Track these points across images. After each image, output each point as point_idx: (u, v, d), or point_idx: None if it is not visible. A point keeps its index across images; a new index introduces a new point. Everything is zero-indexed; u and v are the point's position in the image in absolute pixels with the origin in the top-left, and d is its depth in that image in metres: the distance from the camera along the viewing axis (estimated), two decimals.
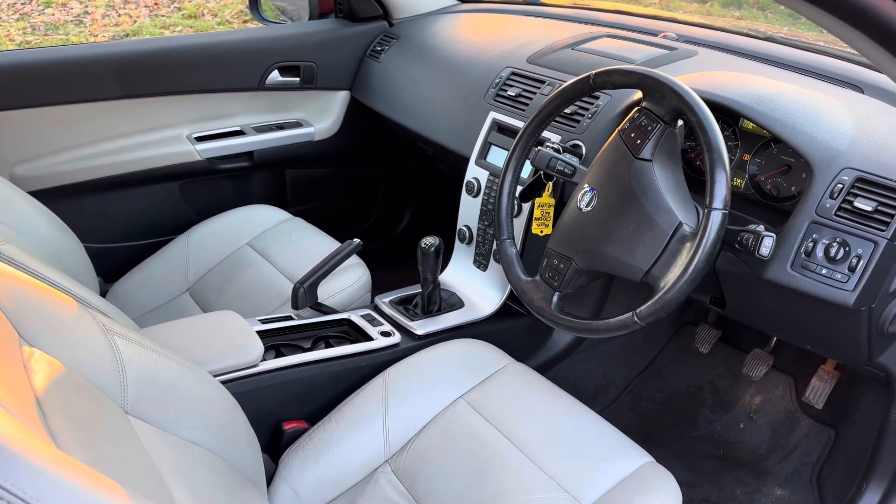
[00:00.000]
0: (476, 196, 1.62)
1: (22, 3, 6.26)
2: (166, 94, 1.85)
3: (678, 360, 1.87)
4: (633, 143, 1.12)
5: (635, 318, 1.06)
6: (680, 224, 1.06)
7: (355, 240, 1.52)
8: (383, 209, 2.38)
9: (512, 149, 1.31)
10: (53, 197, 1.68)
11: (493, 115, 1.60)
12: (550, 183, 1.40)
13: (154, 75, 1.81)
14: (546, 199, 1.42)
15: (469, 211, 1.64)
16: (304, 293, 1.43)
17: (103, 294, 1.77)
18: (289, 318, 1.46)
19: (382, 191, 2.36)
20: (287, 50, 1.96)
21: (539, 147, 1.32)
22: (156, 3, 6.39)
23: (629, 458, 1.17)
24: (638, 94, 1.23)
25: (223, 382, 1.17)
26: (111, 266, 1.83)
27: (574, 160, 1.34)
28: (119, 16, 6.14)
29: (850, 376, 1.61)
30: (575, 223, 1.18)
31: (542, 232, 1.44)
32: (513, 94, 1.59)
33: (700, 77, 1.34)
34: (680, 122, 1.13)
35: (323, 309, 1.49)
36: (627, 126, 1.14)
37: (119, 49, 1.77)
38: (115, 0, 6.39)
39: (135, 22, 5.99)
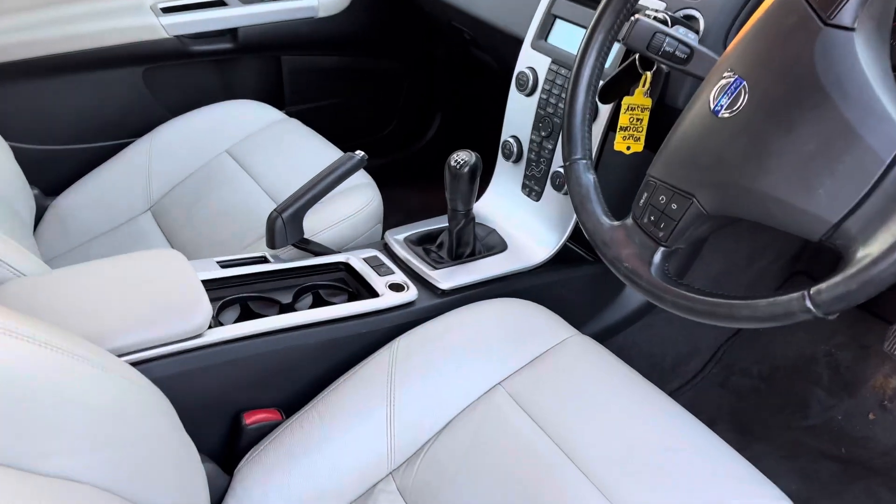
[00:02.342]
0: (531, 94, 1.15)
1: None
2: None
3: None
4: None
5: (808, 304, 0.62)
6: None
7: (359, 152, 1.08)
8: (405, 113, 1.91)
9: (595, 19, 0.84)
10: None
11: None
12: (648, 73, 0.93)
13: None
14: (640, 98, 0.95)
15: (519, 115, 1.18)
16: (284, 226, 1.01)
17: (41, 210, 1.37)
18: (263, 259, 1.04)
19: (405, 89, 1.88)
20: None
21: (636, 16, 0.84)
22: None
23: (755, 499, 0.76)
24: None
25: (144, 362, 0.78)
26: (53, 175, 1.43)
27: (691, 36, 0.86)
28: None
29: None
30: (702, 137, 0.72)
31: (628, 149, 0.98)
32: None
33: None
34: None
35: (311, 248, 1.07)
36: None
37: None
38: None
39: None
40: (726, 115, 0.69)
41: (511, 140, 1.20)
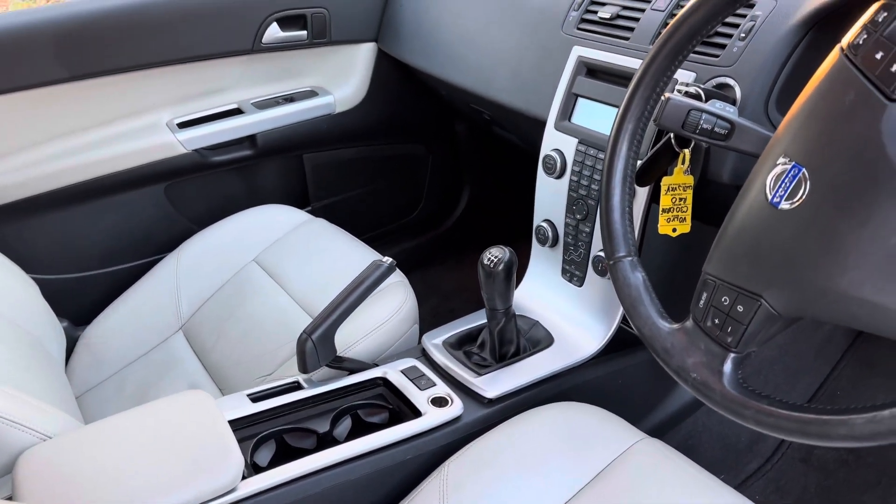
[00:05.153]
0: (560, 177, 1.09)
1: None
2: (132, 68, 1.38)
3: (861, 380, 1.31)
4: (883, 70, 0.57)
5: None
6: None
7: (386, 259, 1.03)
8: (432, 193, 1.87)
9: (626, 100, 0.78)
10: None
11: (578, 51, 1.07)
12: (687, 151, 0.86)
13: (112, 45, 1.34)
14: (680, 177, 0.88)
15: (550, 199, 1.12)
16: (315, 348, 0.95)
17: (72, 342, 1.34)
18: (296, 385, 0.98)
19: (429, 169, 1.84)
20: None
21: (666, 95, 0.78)
22: None
23: None
24: None
25: None
26: (81, 303, 1.41)
27: (729, 109, 0.80)
28: None
29: None
30: (763, 231, 0.64)
31: (674, 231, 0.90)
32: (607, 15, 1.05)
33: None
34: None
35: (345, 366, 1.01)
36: (862, 41, 0.59)
37: (59, 14, 1.31)
38: None
39: None
40: (787, 207, 0.62)
41: (545, 225, 1.14)
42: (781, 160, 0.63)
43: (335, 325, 0.96)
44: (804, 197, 0.60)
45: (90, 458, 0.78)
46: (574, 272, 1.11)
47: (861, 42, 0.58)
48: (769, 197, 0.63)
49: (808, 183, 0.60)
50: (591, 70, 1.05)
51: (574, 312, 1.10)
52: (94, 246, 1.45)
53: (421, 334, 1.13)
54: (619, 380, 1.08)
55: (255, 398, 0.94)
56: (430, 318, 1.76)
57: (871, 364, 1.29)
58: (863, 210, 0.57)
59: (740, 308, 0.66)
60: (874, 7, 0.59)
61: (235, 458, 0.77)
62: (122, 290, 1.39)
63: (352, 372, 1.01)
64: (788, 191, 0.61)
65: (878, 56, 0.57)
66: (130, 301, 1.37)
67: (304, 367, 0.96)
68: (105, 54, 1.34)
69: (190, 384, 1.21)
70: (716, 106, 0.78)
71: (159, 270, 1.39)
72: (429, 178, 1.85)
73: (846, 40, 0.60)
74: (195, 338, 1.29)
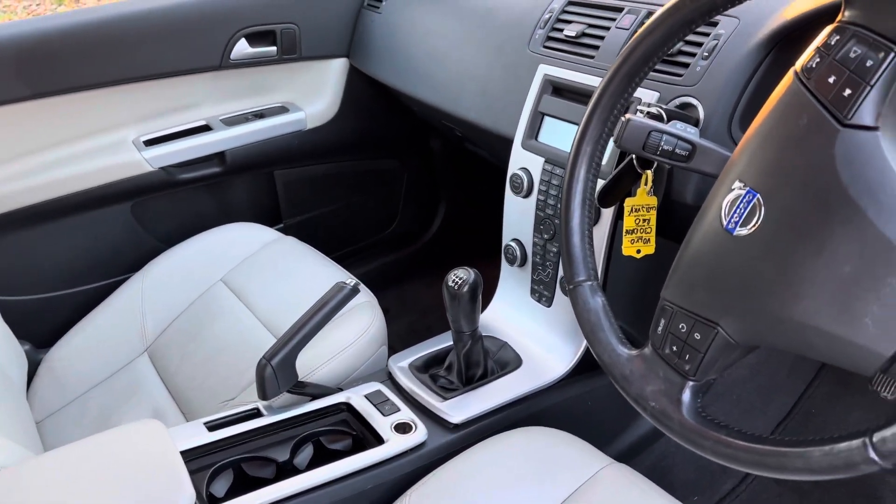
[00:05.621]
0: (527, 196, 1.08)
1: (37, 4, 5.93)
2: (97, 86, 1.36)
3: (836, 398, 1.30)
4: (835, 95, 0.56)
5: (872, 454, 0.51)
6: None
7: (350, 280, 1.01)
8: (407, 208, 1.85)
9: (584, 122, 0.77)
10: None
11: (543, 69, 1.05)
12: (649, 172, 0.85)
13: (76, 63, 1.32)
14: (643, 198, 0.87)
15: (518, 218, 1.10)
16: (274, 374, 0.93)
17: (34, 365, 1.31)
18: (256, 413, 0.96)
19: (405, 184, 1.82)
20: (256, 9, 1.44)
21: (627, 116, 0.77)
22: None
23: None
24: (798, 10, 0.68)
25: None
26: (44, 326, 1.38)
27: (690, 130, 0.78)
28: None
29: None
30: (718, 257, 0.63)
31: (638, 252, 0.89)
32: (573, 33, 1.04)
33: None
34: None
35: (308, 391, 0.99)
36: (815, 64, 0.58)
37: (22, 31, 1.28)
38: None
39: None
40: (742, 233, 0.60)
41: (513, 244, 1.12)
42: (737, 185, 0.61)
43: (296, 349, 0.94)
44: (759, 223, 0.59)
45: (36, 490, 0.75)
46: (543, 292, 1.09)
47: (814, 65, 0.57)
48: (724, 223, 0.62)
49: (763, 209, 0.59)
50: (557, 88, 1.04)
51: (543, 333, 1.08)
52: (57, 266, 1.42)
53: (396, 352, 1.11)
54: (589, 402, 1.06)
55: (213, 426, 0.91)
56: (405, 335, 1.74)
57: (846, 382, 1.29)
58: (816, 238, 0.55)
59: (697, 336, 0.64)
60: (827, 30, 0.58)
61: (186, 490, 0.74)
62: (87, 310, 1.36)
63: (314, 397, 0.99)
64: (743, 217, 0.60)
65: (831, 80, 0.56)
66: (95, 322, 1.34)
67: (263, 394, 0.93)
68: (69, 72, 1.32)
69: (153, 409, 1.18)
70: (677, 127, 0.77)
71: (125, 290, 1.36)
72: (404, 194, 1.83)
73: (800, 63, 0.59)
74: (160, 360, 1.27)
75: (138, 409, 1.18)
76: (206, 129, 1.47)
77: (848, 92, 0.55)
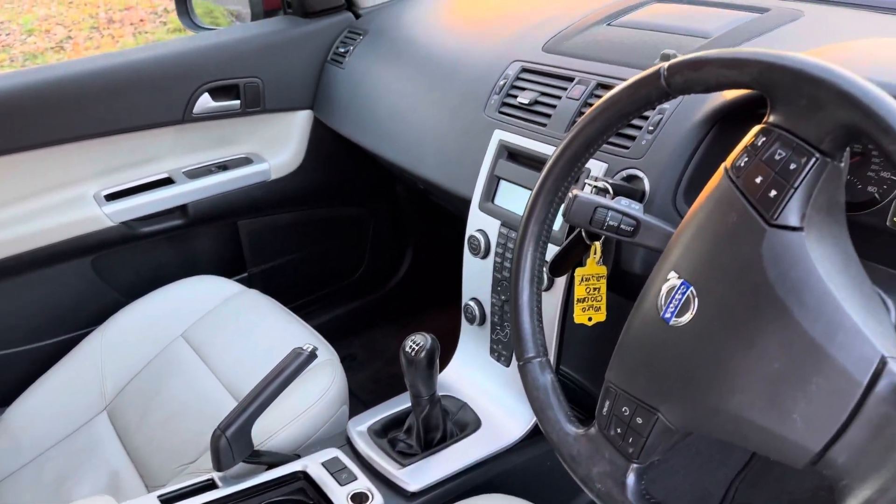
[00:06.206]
0: (485, 257, 1.09)
1: (6, 34, 5.90)
2: (57, 142, 1.35)
3: None
4: (762, 195, 0.58)
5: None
6: (884, 362, 0.52)
7: (307, 346, 1.01)
8: (374, 254, 1.86)
9: (530, 204, 0.78)
10: None
11: (499, 134, 1.07)
12: (598, 243, 0.87)
13: (36, 119, 1.31)
14: (593, 267, 0.89)
15: (477, 278, 1.12)
16: (229, 445, 0.92)
17: None
18: (210, 484, 0.95)
19: (371, 231, 1.83)
20: (219, 65, 1.45)
21: (575, 191, 0.78)
22: (141, 20, 5.98)
23: None
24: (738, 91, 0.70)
25: None
26: (1, 383, 1.35)
27: (634, 207, 0.80)
28: (102, 37, 5.75)
29: None
30: (656, 345, 0.64)
31: (590, 320, 0.90)
32: (526, 101, 1.06)
33: (844, 52, 0.79)
34: (847, 150, 0.58)
35: (263, 461, 0.98)
36: (743, 163, 0.60)
37: None
38: (100, 20, 6.00)
39: (117, 42, 5.58)
40: (678, 324, 0.62)
41: (472, 303, 1.13)
42: (672, 275, 0.63)
43: (251, 419, 0.94)
44: (694, 315, 0.61)
45: None
46: (501, 352, 1.10)
47: (743, 164, 0.60)
48: (661, 311, 0.63)
49: (697, 301, 0.61)
50: (512, 154, 1.06)
51: (501, 394, 1.09)
52: (15, 322, 1.40)
53: (359, 400, 1.10)
54: (548, 461, 1.06)
55: (166, 500, 0.90)
56: (371, 384, 1.74)
57: None
58: (747, 333, 0.57)
59: (639, 420, 0.65)
60: (755, 130, 0.60)
61: None
62: (45, 367, 1.35)
63: (271, 466, 0.98)
64: (678, 308, 0.62)
65: (758, 180, 0.58)
66: (53, 380, 1.33)
67: (218, 465, 0.93)
68: (30, 129, 1.31)
69: (110, 473, 1.16)
70: (621, 203, 0.79)
71: (84, 347, 1.34)
72: (370, 240, 1.84)
73: (730, 159, 0.61)
74: (119, 419, 1.25)
75: (95, 474, 1.17)
76: (168, 181, 1.47)
77: (773, 193, 0.57)
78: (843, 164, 0.58)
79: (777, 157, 0.57)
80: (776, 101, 0.58)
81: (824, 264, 0.56)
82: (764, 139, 0.59)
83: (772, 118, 0.59)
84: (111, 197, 1.42)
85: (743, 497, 1.29)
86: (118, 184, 1.43)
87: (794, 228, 0.56)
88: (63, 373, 1.33)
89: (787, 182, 0.56)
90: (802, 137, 0.56)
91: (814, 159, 0.56)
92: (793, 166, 0.56)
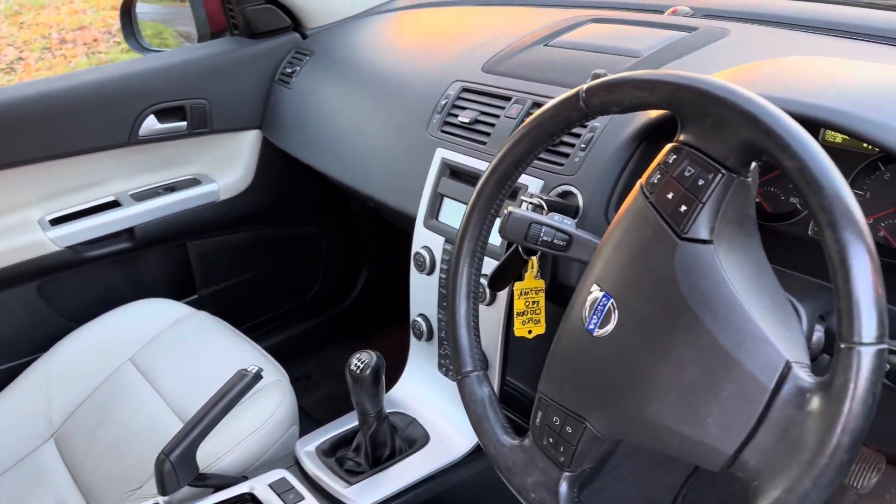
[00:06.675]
0: (430, 273, 1.11)
1: None
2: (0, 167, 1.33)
3: None
4: (673, 210, 0.61)
5: None
6: (789, 367, 0.55)
7: (252, 367, 1.01)
8: (329, 274, 1.86)
9: (464, 222, 0.80)
10: None
11: (441, 152, 1.10)
12: (534, 258, 0.89)
13: None
14: (531, 281, 0.91)
15: (423, 294, 1.13)
16: (173, 469, 0.92)
17: None
18: None
19: (324, 251, 1.84)
20: (165, 87, 1.45)
21: (510, 208, 0.81)
22: (95, 41, 5.91)
23: None
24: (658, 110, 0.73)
25: None
26: None
27: (567, 222, 0.82)
28: (54, 57, 5.67)
29: None
30: (581, 356, 0.66)
31: (530, 332, 0.93)
32: (466, 119, 1.08)
33: (753, 72, 0.83)
34: (753, 165, 0.62)
35: (209, 483, 0.98)
36: (657, 179, 0.63)
37: None
38: (52, 41, 5.91)
39: (70, 63, 5.51)
40: (600, 335, 0.64)
41: (420, 319, 1.14)
42: (595, 287, 0.66)
43: (195, 442, 0.94)
44: (614, 326, 0.63)
45: None
46: (449, 366, 1.12)
47: (656, 181, 0.62)
48: (585, 323, 0.65)
49: (617, 313, 0.63)
50: (455, 171, 1.08)
51: (449, 408, 1.10)
52: None
53: (314, 420, 1.10)
54: (495, 475, 1.08)
55: None
56: (326, 402, 1.74)
57: None
58: (663, 343, 0.59)
59: (569, 429, 0.67)
60: (666, 148, 0.63)
61: None
62: None
63: (218, 489, 0.98)
64: (601, 319, 0.64)
65: (670, 196, 0.61)
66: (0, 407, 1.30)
67: (162, 490, 0.92)
68: None
69: (57, 502, 1.14)
70: (554, 219, 0.81)
71: (31, 373, 1.32)
72: (324, 258, 1.84)
73: (645, 177, 0.64)
74: (66, 447, 1.23)
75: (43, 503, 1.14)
76: (115, 204, 1.46)
77: (684, 208, 0.60)
78: (750, 179, 0.61)
79: (687, 174, 0.60)
80: (685, 120, 0.61)
81: (734, 275, 0.58)
82: (675, 157, 0.61)
83: (682, 137, 0.62)
84: (56, 221, 1.40)
85: (691, 502, 1.32)
86: (63, 208, 1.42)
87: (703, 241, 0.59)
88: (8, 401, 1.30)
89: (696, 197, 0.59)
90: (709, 155, 0.59)
91: (720, 175, 0.59)
92: (701, 182, 0.59)
